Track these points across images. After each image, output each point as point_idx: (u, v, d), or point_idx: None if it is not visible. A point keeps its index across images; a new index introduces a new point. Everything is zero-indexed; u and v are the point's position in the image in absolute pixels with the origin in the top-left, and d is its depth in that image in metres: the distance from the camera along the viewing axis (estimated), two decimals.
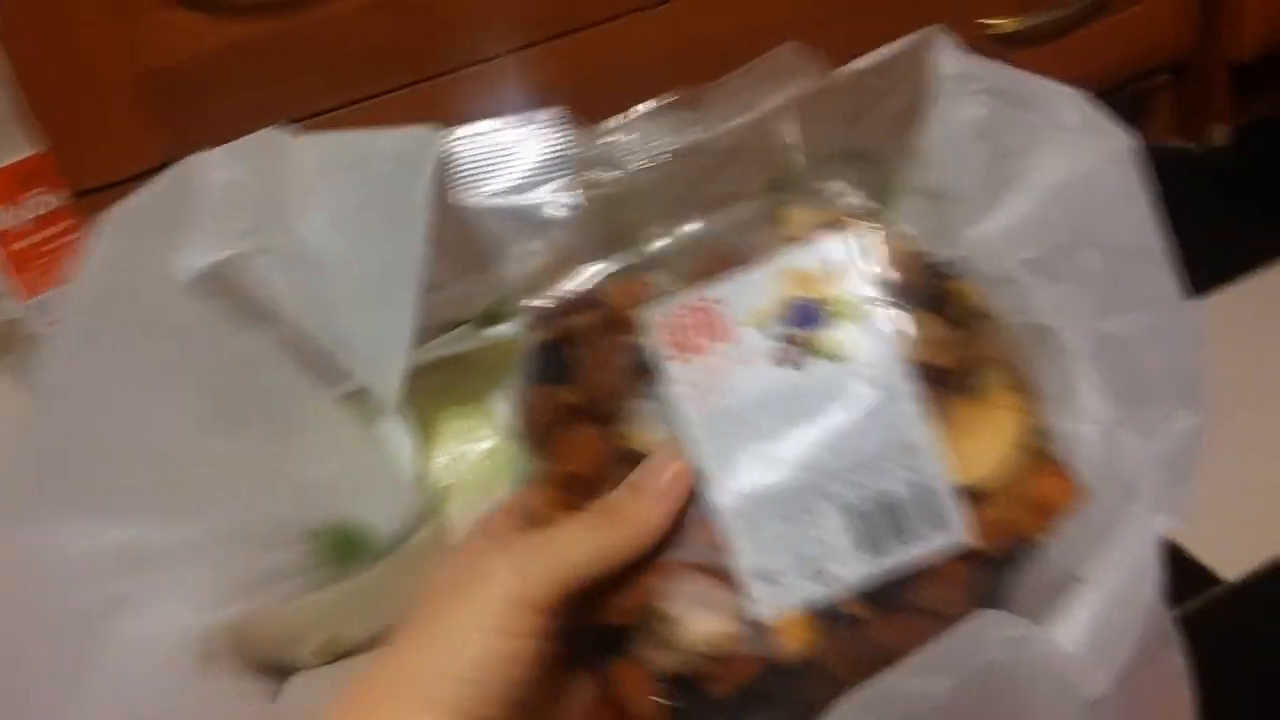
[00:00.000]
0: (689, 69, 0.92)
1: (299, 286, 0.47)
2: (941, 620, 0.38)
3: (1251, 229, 1.08)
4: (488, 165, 0.48)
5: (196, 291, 0.45)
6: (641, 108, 0.46)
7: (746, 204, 0.45)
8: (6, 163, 0.97)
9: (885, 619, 0.39)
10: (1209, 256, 1.05)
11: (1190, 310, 0.41)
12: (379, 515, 0.47)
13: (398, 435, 0.51)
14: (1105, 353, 0.41)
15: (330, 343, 0.48)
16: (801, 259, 0.42)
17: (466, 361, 0.61)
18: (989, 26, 1.08)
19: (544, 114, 0.48)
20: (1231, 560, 0.77)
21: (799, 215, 0.44)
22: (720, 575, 0.40)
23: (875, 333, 0.41)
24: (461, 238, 0.49)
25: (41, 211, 1.00)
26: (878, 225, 0.43)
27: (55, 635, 0.41)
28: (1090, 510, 0.40)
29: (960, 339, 0.42)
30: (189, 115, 0.77)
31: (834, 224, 0.43)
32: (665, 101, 0.46)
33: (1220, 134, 1.21)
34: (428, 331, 0.62)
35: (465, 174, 0.48)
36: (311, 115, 0.81)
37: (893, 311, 0.42)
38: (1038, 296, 0.42)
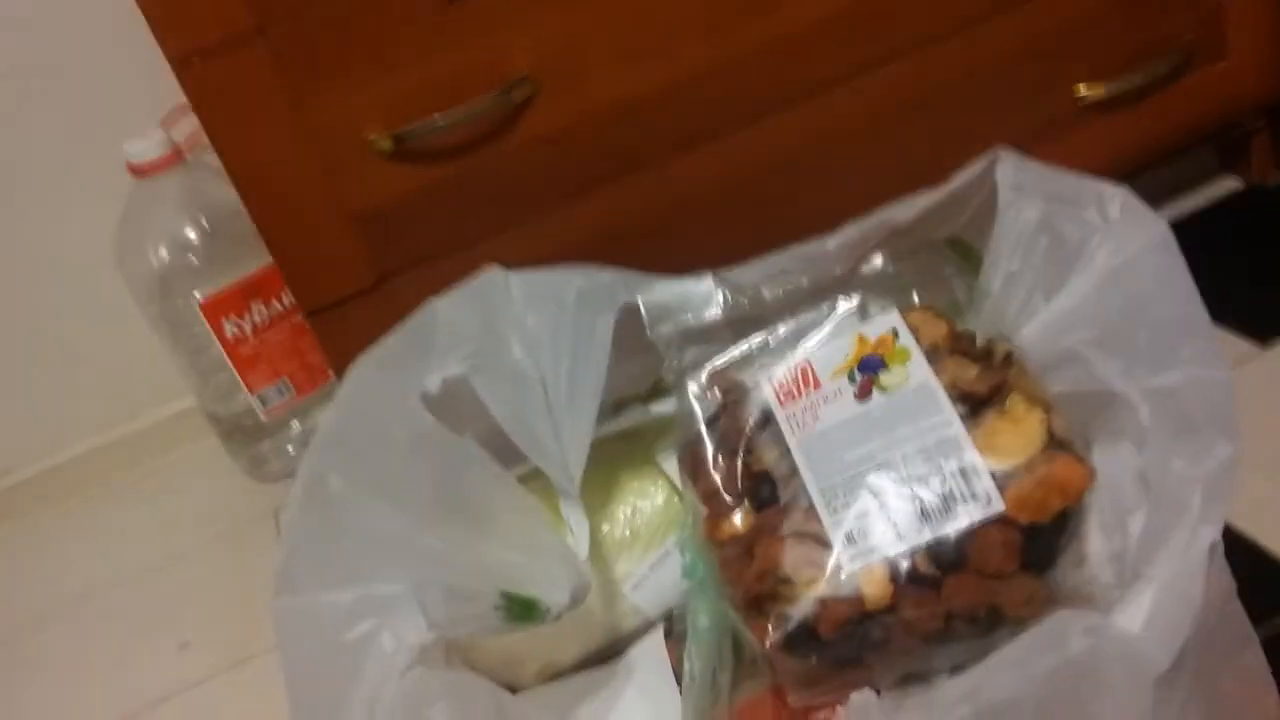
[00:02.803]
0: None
1: (506, 398, 0.60)
2: (996, 579, 0.50)
3: None
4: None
5: (429, 408, 0.58)
6: (770, 258, 0.62)
7: (837, 299, 0.60)
8: (236, 279, 1.15)
9: (949, 577, 0.51)
10: None
11: (1224, 363, 0.51)
12: (551, 591, 0.58)
13: (576, 517, 0.63)
14: (1158, 402, 0.51)
15: (527, 442, 0.60)
16: (870, 330, 0.58)
17: (638, 433, 0.75)
18: (1083, 98, 1.16)
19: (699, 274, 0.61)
20: None
21: (873, 305, 0.60)
22: (821, 542, 0.53)
23: (923, 372, 0.55)
24: (633, 330, 0.63)
25: (258, 320, 1.18)
26: (930, 308, 0.58)
27: (337, 653, 0.54)
28: (1151, 520, 0.50)
29: (992, 375, 0.54)
30: (390, 244, 0.91)
31: (901, 309, 0.59)
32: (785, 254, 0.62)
33: None
34: (606, 407, 0.75)
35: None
36: (491, 237, 0.93)
37: (938, 358, 0.56)
38: (1099, 368, 0.52)
